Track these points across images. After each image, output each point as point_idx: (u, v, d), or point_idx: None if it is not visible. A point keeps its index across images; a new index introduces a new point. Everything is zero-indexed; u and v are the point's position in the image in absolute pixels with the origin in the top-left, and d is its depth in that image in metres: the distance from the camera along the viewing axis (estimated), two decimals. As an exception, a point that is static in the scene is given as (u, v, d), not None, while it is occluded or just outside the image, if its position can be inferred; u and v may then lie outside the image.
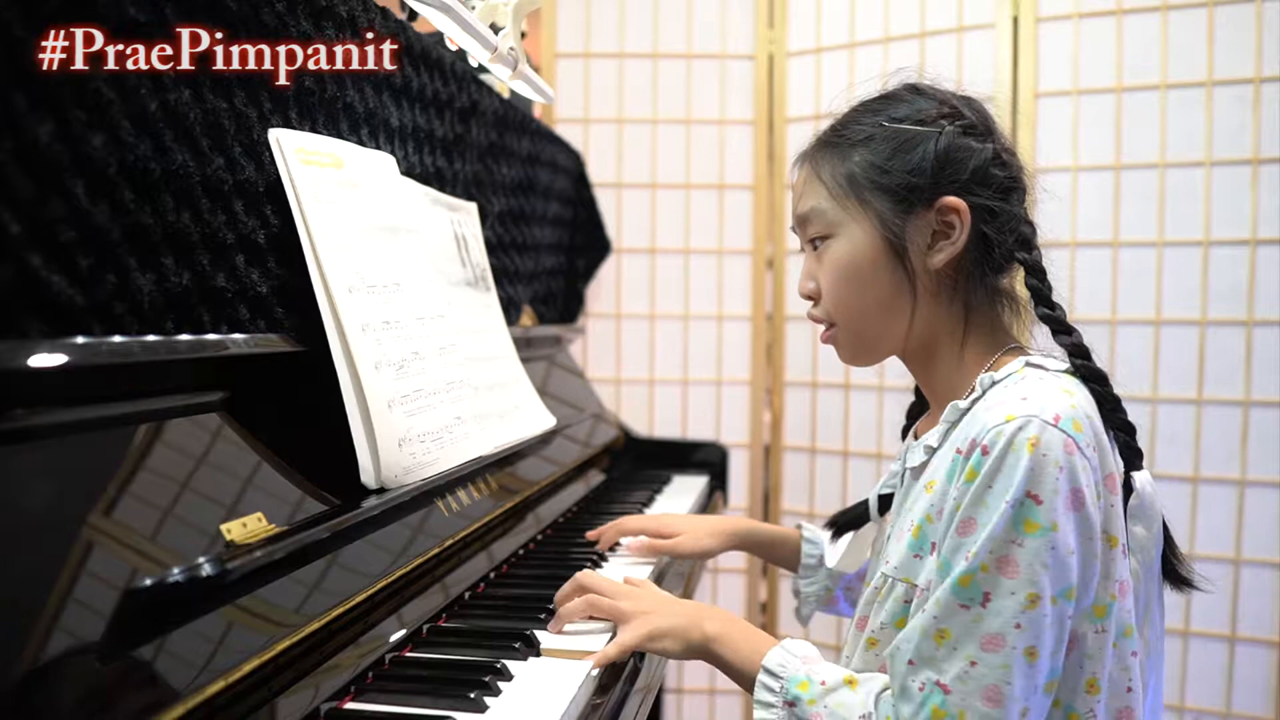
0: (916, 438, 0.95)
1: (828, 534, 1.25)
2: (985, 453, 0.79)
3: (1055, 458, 0.77)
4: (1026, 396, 0.81)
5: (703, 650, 0.92)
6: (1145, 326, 1.99)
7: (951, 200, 0.88)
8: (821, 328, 0.97)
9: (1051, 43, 2.04)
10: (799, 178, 0.97)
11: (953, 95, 0.94)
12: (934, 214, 0.89)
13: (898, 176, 0.89)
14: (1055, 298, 0.91)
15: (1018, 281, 0.94)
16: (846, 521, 1.18)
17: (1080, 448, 0.78)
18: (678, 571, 1.31)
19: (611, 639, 0.94)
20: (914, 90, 0.95)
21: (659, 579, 1.24)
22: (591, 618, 0.98)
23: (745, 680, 0.89)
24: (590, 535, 1.30)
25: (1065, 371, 0.87)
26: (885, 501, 1.09)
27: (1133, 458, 0.86)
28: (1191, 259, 1.95)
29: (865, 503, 1.13)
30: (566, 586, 1.01)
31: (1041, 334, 0.93)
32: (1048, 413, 0.79)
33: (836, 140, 0.94)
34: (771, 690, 0.84)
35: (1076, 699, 0.81)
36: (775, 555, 1.30)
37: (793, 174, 0.99)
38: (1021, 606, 0.76)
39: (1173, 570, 0.92)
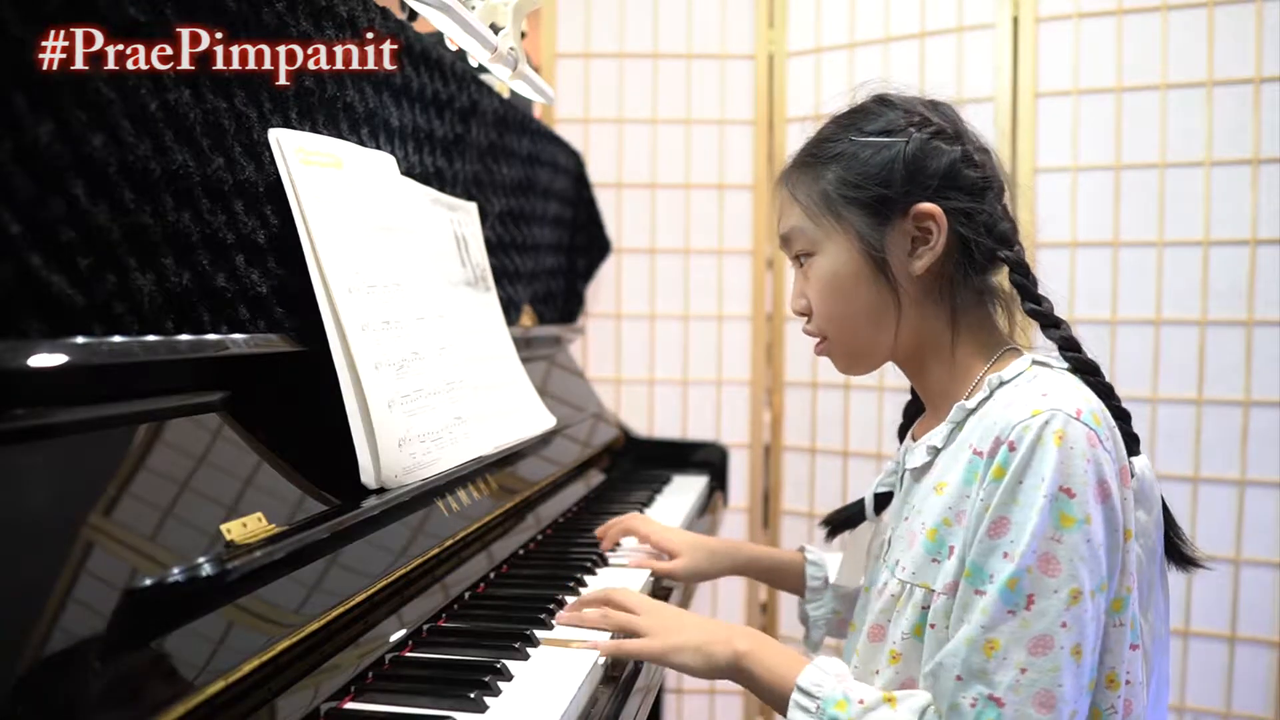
0: (915, 439, 0.96)
1: (831, 553, 1.24)
2: (1013, 449, 0.79)
3: (1082, 450, 0.78)
4: (1047, 393, 0.82)
5: (731, 668, 0.90)
6: (1145, 326, 1.99)
7: (925, 206, 0.89)
8: (816, 340, 0.98)
9: (1051, 43, 2.04)
10: (778, 199, 0.99)
11: (919, 102, 0.95)
12: (910, 221, 0.90)
13: (869, 190, 0.90)
14: (1045, 293, 0.91)
15: (1004, 279, 0.95)
16: (842, 520, 1.17)
17: (1101, 440, 0.79)
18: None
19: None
20: (881, 102, 0.95)
21: (657, 582, 1.24)
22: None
23: (776, 699, 0.87)
24: (598, 533, 1.30)
25: (1069, 370, 0.88)
26: (881, 500, 1.09)
27: (1130, 444, 0.87)
28: (1191, 259, 1.95)
29: (861, 502, 1.13)
30: (593, 594, 1.02)
31: (1038, 331, 0.94)
32: (1070, 407, 0.79)
33: (810, 160, 0.95)
34: (807, 711, 0.82)
35: (1099, 694, 0.81)
36: (778, 580, 1.27)
37: (775, 195, 1.01)
38: (1065, 604, 0.75)
39: (1177, 550, 0.92)
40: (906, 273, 0.90)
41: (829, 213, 0.92)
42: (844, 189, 0.91)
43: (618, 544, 1.31)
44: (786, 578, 1.25)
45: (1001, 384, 0.87)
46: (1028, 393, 0.83)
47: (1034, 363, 0.88)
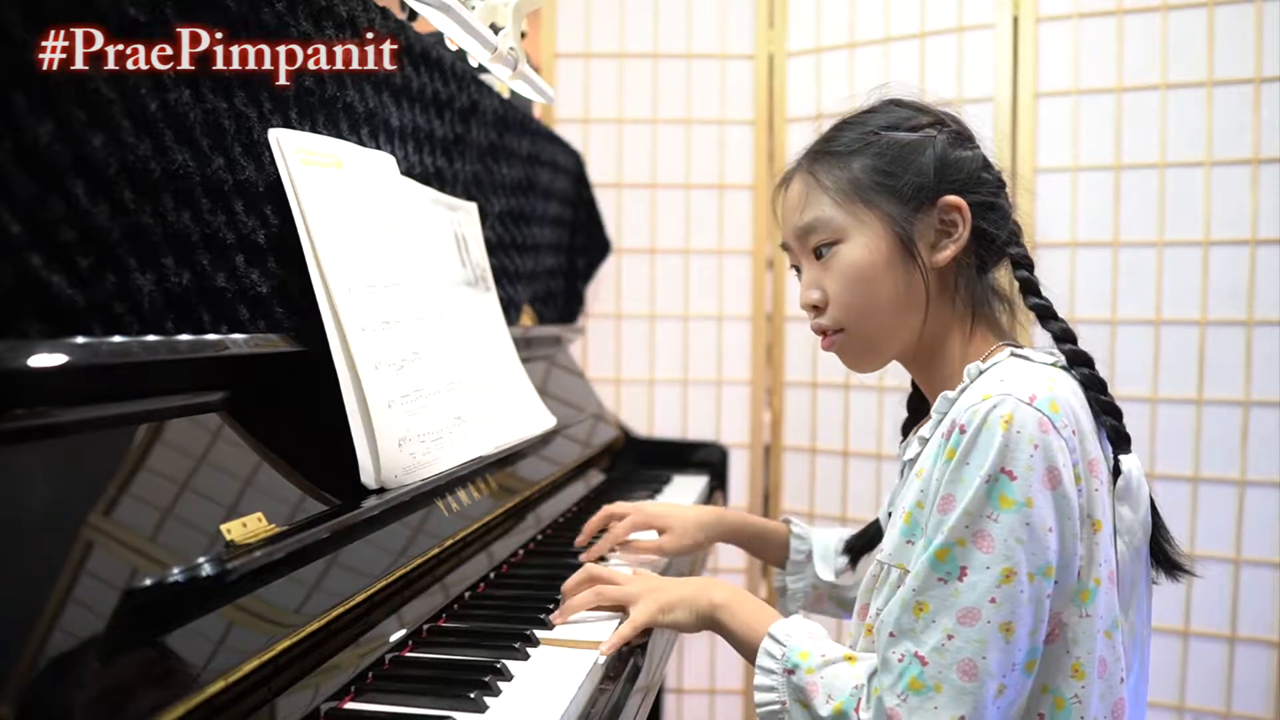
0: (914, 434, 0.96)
1: (820, 535, 1.24)
2: (963, 431, 0.81)
3: (1030, 435, 0.79)
4: (1004, 379, 0.84)
5: (710, 619, 0.95)
6: (1145, 326, 1.99)
7: (953, 199, 0.91)
8: (824, 336, 0.97)
9: (1051, 43, 2.04)
10: (794, 192, 0.98)
11: (933, 106, 0.98)
12: (937, 213, 0.92)
13: (903, 178, 0.92)
14: (1045, 293, 0.94)
15: (1003, 279, 0.97)
16: (863, 544, 1.18)
17: (1056, 427, 0.80)
18: (679, 570, 1.31)
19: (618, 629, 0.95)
20: (895, 103, 0.98)
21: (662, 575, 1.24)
22: (599, 608, 1.00)
23: (748, 648, 0.91)
24: (584, 557, 1.25)
25: (1052, 365, 0.89)
26: None
27: (1120, 441, 0.88)
28: (1191, 259, 1.95)
29: (878, 523, 1.13)
30: (576, 575, 1.03)
31: (1041, 335, 0.95)
32: (1023, 392, 0.81)
33: (831, 151, 0.96)
34: (773, 656, 0.87)
35: (1061, 683, 0.82)
36: (762, 549, 1.29)
37: (778, 196, 1.01)
38: (996, 581, 0.77)
39: (1164, 554, 0.93)
40: (930, 263, 0.92)
41: (859, 199, 0.93)
42: (877, 176, 0.92)
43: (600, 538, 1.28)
44: (769, 547, 1.28)
45: (980, 373, 0.88)
46: (989, 379, 0.85)
47: (1012, 354, 0.90)
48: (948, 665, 0.77)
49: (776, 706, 0.85)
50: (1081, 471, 0.82)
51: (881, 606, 0.88)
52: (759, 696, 0.87)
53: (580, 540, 1.28)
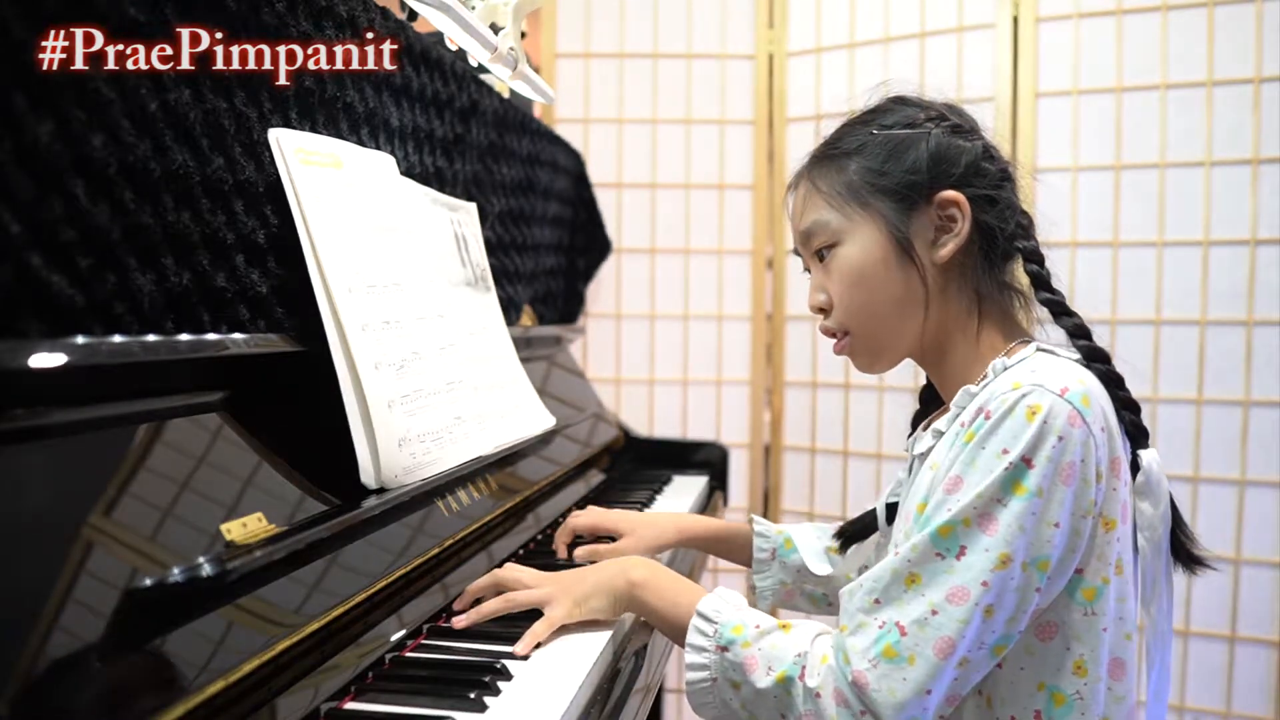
0: (925, 429, 0.96)
1: (798, 532, 1.24)
2: (988, 417, 0.81)
3: (1056, 427, 0.78)
4: (1036, 370, 0.83)
5: (630, 599, 0.94)
6: (1145, 326, 1.99)
7: (950, 193, 0.90)
8: (834, 341, 0.97)
9: (1051, 43, 2.04)
10: (797, 198, 0.98)
11: (936, 101, 0.97)
12: (934, 209, 0.91)
13: (896, 177, 0.91)
14: (1055, 285, 0.93)
15: (1018, 275, 0.96)
16: (855, 531, 1.17)
17: (1086, 422, 0.80)
18: (679, 569, 1.30)
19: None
20: (899, 100, 0.97)
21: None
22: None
23: (674, 626, 0.90)
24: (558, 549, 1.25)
25: (1076, 361, 0.89)
26: (892, 511, 1.08)
27: (1139, 436, 0.88)
28: (1191, 259, 1.95)
29: (873, 512, 1.13)
30: (482, 580, 1.01)
31: (1055, 330, 0.95)
32: (1055, 384, 0.80)
33: (831, 153, 0.96)
34: (704, 634, 0.86)
35: (1062, 680, 0.82)
36: (724, 550, 1.27)
37: (787, 201, 1.01)
38: (992, 565, 0.77)
39: (1183, 549, 0.93)
40: (930, 261, 0.91)
41: (854, 201, 0.92)
42: (870, 176, 0.92)
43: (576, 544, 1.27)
44: (734, 549, 1.26)
45: (1006, 368, 0.88)
46: (1021, 371, 0.85)
47: (1039, 349, 0.89)
48: (926, 640, 0.77)
49: (708, 684, 0.84)
50: (1104, 469, 0.81)
51: None
52: (690, 675, 0.85)
53: (560, 553, 1.25)
